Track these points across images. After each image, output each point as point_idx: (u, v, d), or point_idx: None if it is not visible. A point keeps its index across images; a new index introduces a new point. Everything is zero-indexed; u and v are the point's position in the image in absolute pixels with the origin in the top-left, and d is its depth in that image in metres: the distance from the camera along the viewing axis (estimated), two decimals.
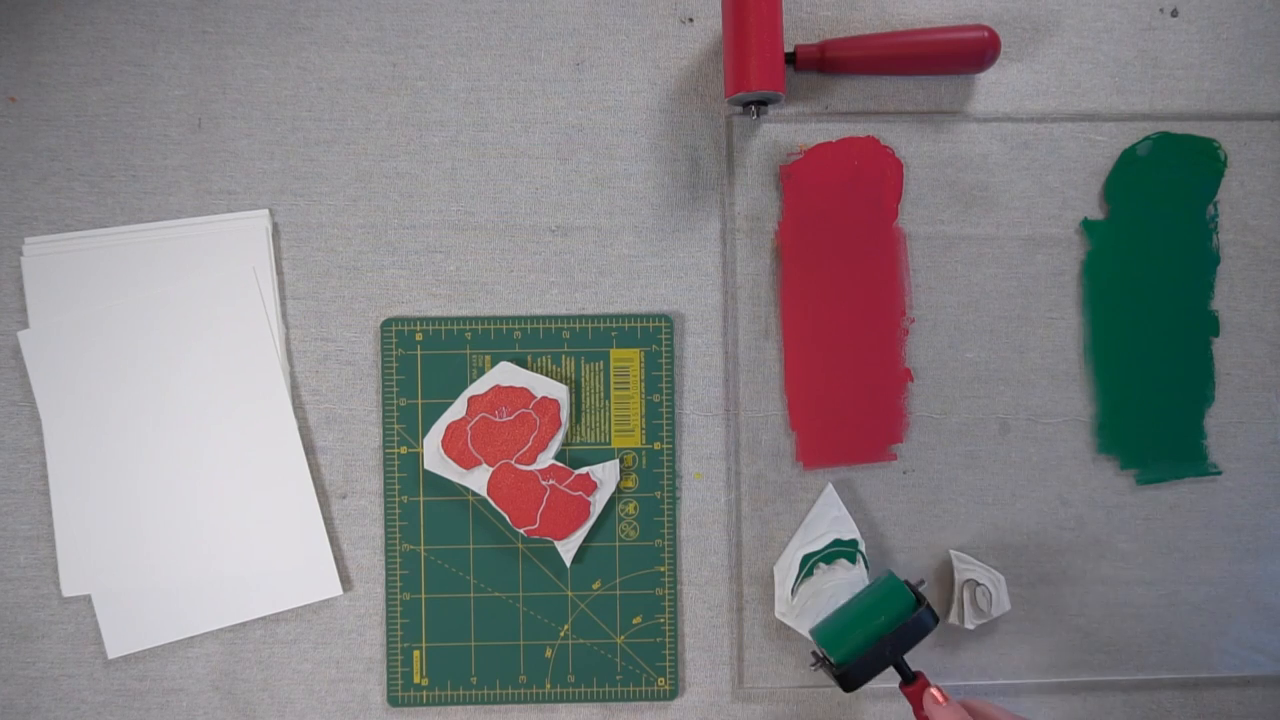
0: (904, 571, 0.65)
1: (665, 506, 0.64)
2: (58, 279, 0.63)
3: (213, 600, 0.63)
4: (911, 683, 0.58)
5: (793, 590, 0.63)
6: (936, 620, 0.58)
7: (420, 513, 0.64)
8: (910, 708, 0.59)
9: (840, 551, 0.63)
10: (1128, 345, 0.65)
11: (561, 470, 0.63)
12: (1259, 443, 0.65)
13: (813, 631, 0.61)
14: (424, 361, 0.64)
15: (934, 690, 0.57)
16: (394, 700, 0.64)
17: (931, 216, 0.65)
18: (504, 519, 0.63)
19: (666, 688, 0.64)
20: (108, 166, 0.64)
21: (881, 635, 0.58)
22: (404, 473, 0.64)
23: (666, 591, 0.64)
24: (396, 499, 0.64)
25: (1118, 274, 0.65)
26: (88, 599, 0.63)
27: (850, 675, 0.58)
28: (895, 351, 0.65)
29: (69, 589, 0.63)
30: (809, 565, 0.63)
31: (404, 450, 0.64)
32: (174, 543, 0.63)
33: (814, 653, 0.61)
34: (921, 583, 0.59)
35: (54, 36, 0.64)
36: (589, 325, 0.65)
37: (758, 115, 0.63)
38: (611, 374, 0.64)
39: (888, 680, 0.65)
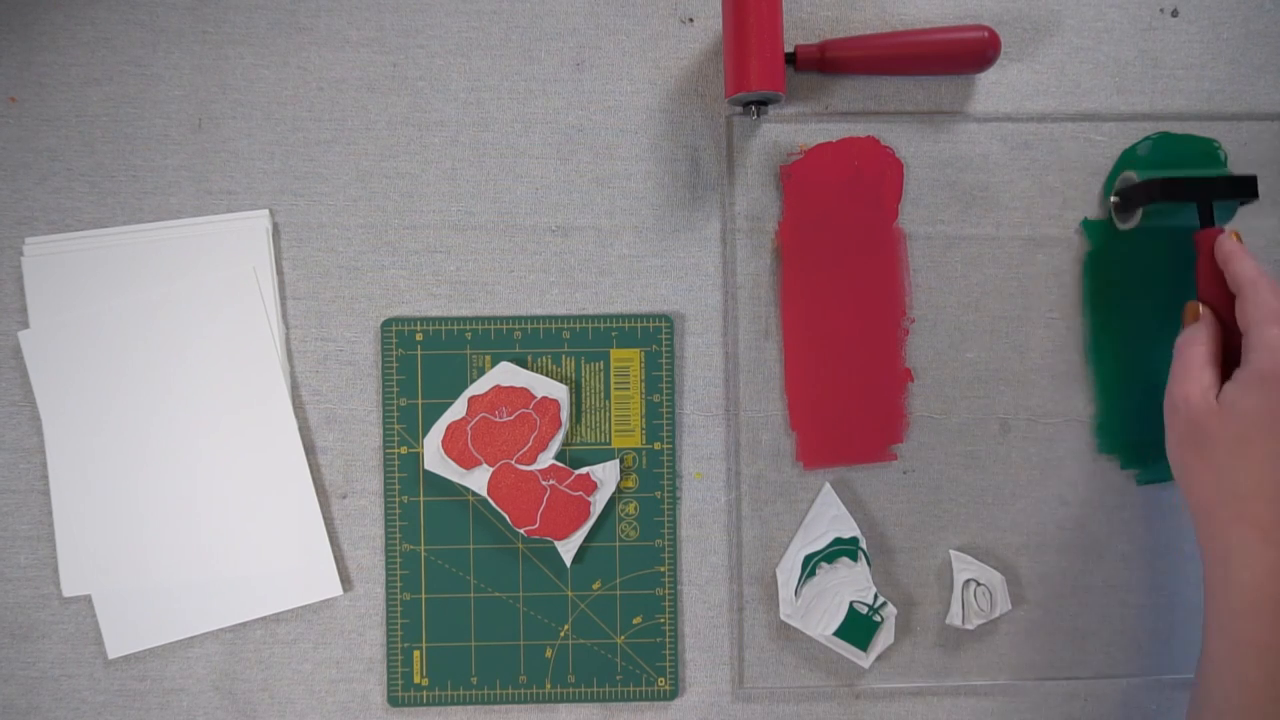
0: (904, 572, 0.65)
1: (665, 506, 0.64)
2: (58, 279, 0.63)
3: (213, 600, 0.63)
4: (1209, 228, 0.59)
5: (796, 592, 0.63)
6: (1257, 195, 0.60)
7: (420, 513, 0.64)
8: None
9: (841, 550, 0.64)
10: (1128, 345, 0.65)
11: (562, 470, 0.63)
12: None
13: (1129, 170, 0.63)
14: (424, 361, 0.64)
15: (1234, 232, 0.57)
16: (394, 700, 0.64)
17: (931, 216, 0.65)
18: (504, 519, 0.63)
19: (666, 688, 0.64)
20: (108, 166, 0.64)
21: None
22: (404, 473, 0.64)
23: (666, 591, 0.64)
24: (396, 499, 0.64)
25: (1118, 274, 0.65)
26: (88, 599, 0.63)
27: (1168, 183, 0.60)
28: (895, 351, 0.65)
29: (69, 589, 0.63)
30: (811, 565, 0.63)
31: (404, 450, 0.64)
32: (174, 543, 0.63)
33: (1120, 190, 0.64)
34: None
35: (54, 36, 0.64)
36: (589, 325, 0.65)
37: (758, 115, 0.63)
38: (611, 374, 0.64)
39: (893, 680, 0.65)
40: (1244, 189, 0.61)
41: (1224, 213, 0.64)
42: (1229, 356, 0.57)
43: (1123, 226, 0.64)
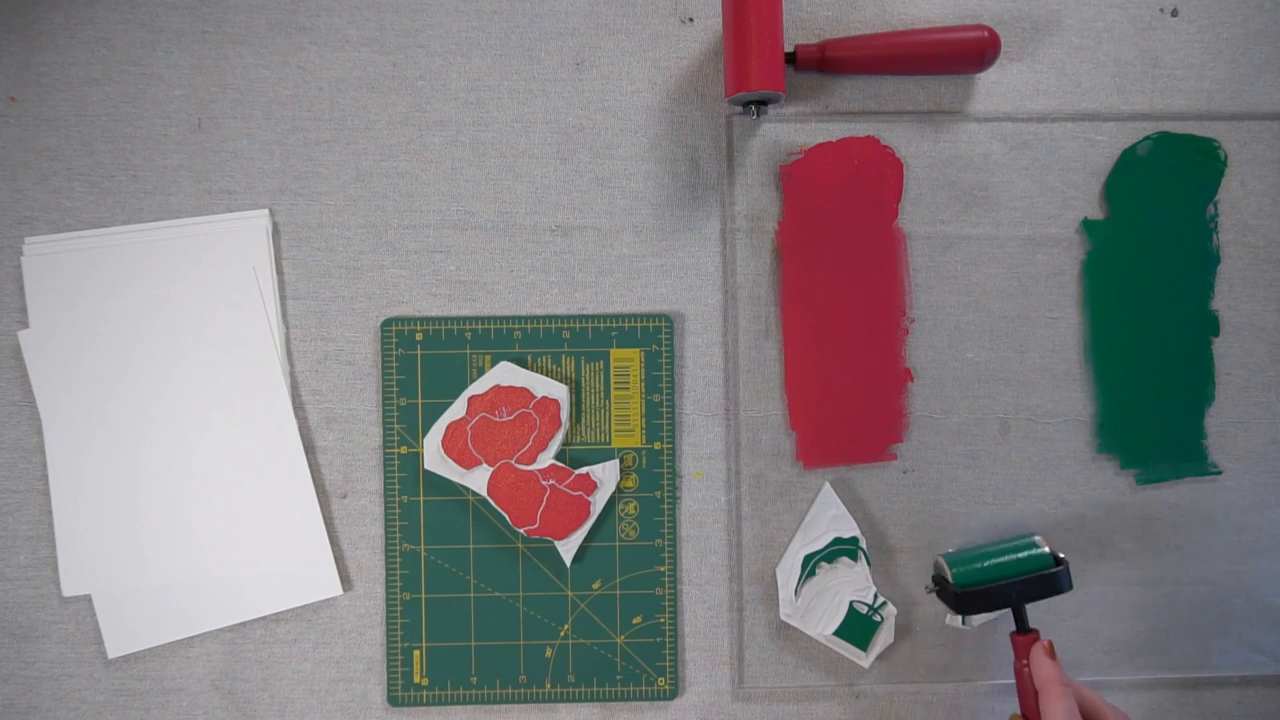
0: (905, 571, 0.65)
1: (665, 506, 0.64)
2: (58, 279, 0.63)
3: (213, 600, 0.63)
4: (1025, 633, 0.59)
5: (796, 591, 0.63)
6: (1071, 585, 0.59)
7: (420, 513, 0.64)
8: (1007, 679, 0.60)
9: (841, 550, 0.64)
10: (1128, 345, 0.65)
11: (561, 470, 0.63)
12: (1259, 443, 0.65)
13: (943, 555, 0.61)
14: (424, 361, 0.64)
15: (1046, 643, 0.58)
16: (394, 700, 0.64)
17: (931, 216, 0.65)
18: (504, 519, 0.63)
19: (666, 688, 0.64)
20: (108, 166, 0.64)
21: (1011, 577, 0.59)
22: (404, 473, 0.64)
23: (666, 591, 0.64)
24: (396, 499, 0.64)
25: (1118, 274, 0.65)
26: (88, 599, 0.63)
27: (970, 597, 0.59)
28: (895, 351, 0.65)
29: (69, 589, 0.63)
30: (811, 565, 0.63)
31: (404, 450, 0.64)
32: (174, 543, 0.63)
33: (933, 578, 0.62)
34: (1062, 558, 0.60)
35: (54, 36, 0.64)
36: (589, 325, 0.65)
37: (758, 115, 0.63)
38: (611, 374, 0.64)
39: (893, 680, 0.65)
40: (1051, 586, 0.59)
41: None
42: None
43: (955, 625, 0.64)
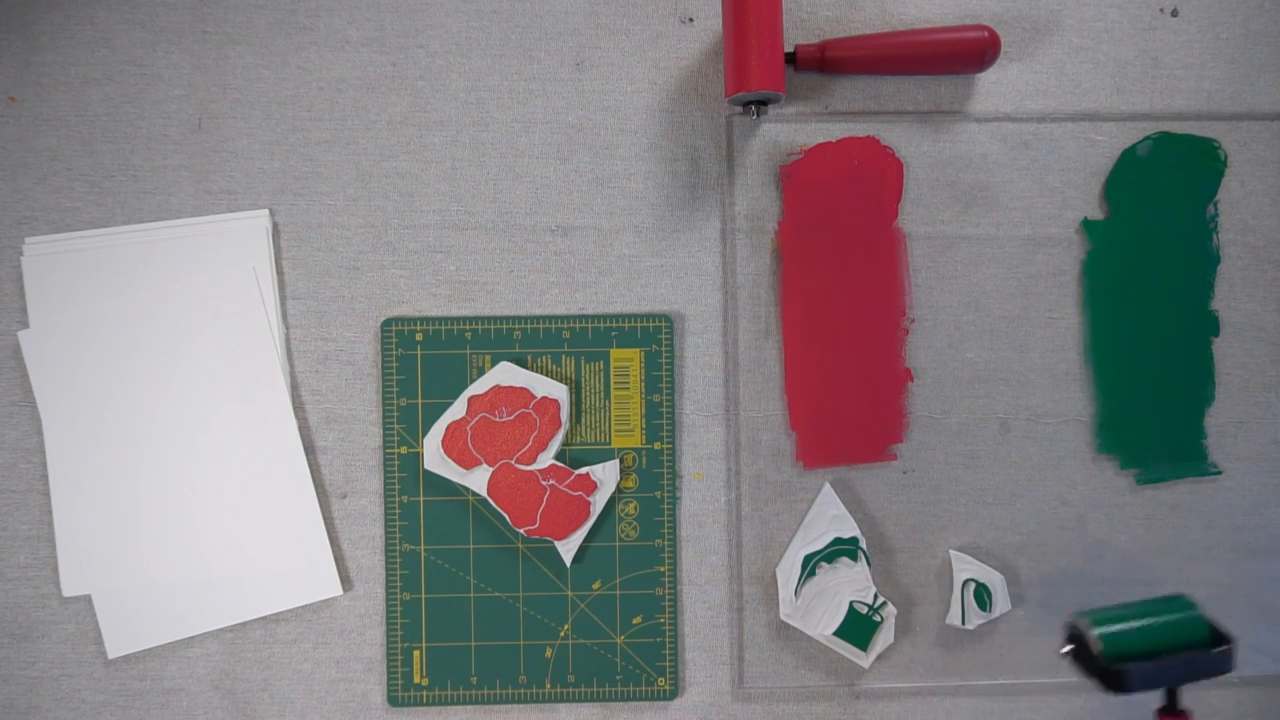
0: (904, 572, 0.65)
1: (665, 506, 0.64)
2: (58, 279, 0.63)
3: (213, 600, 0.63)
4: (1175, 715, 0.53)
5: (796, 591, 0.63)
6: (1233, 666, 0.52)
7: (420, 513, 0.64)
8: None
9: (841, 550, 0.63)
10: (1128, 345, 0.65)
11: (561, 470, 0.63)
12: (1259, 443, 0.65)
13: (1080, 614, 0.54)
14: (424, 361, 0.64)
15: None
16: (394, 700, 0.64)
17: (931, 216, 0.65)
18: (504, 519, 0.63)
19: (666, 688, 0.64)
20: (108, 166, 0.64)
21: (1164, 650, 0.52)
22: (404, 473, 0.64)
23: (666, 591, 0.64)
24: (396, 499, 0.64)
25: (1118, 274, 0.65)
26: (88, 599, 0.63)
27: (1129, 677, 0.51)
28: (895, 351, 0.65)
29: (69, 589, 0.63)
30: (811, 565, 0.63)
31: (404, 450, 0.64)
32: (174, 543, 0.63)
33: (1074, 636, 0.54)
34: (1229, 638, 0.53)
35: (54, 36, 0.64)
36: (589, 325, 0.65)
37: (758, 115, 0.63)
38: (611, 374, 0.64)
39: (893, 680, 0.65)
40: (1217, 666, 0.52)
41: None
42: None
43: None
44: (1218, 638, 0.52)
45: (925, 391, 0.65)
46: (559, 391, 0.63)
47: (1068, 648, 0.55)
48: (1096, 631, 0.53)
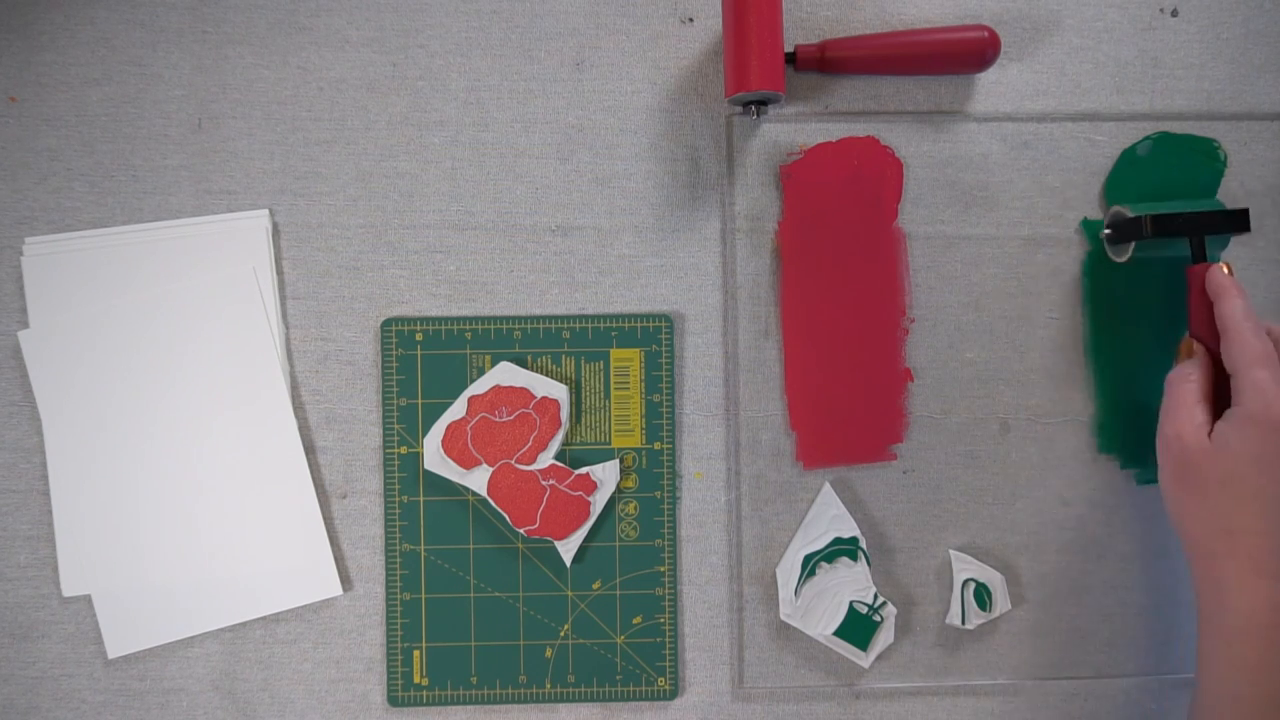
0: (904, 572, 0.65)
1: (665, 506, 0.64)
2: (58, 279, 0.63)
3: (213, 600, 0.63)
4: (1202, 260, 0.60)
5: (796, 591, 0.63)
6: (1249, 227, 0.60)
7: (420, 513, 0.64)
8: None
9: (841, 550, 0.64)
10: (1128, 345, 0.65)
11: (561, 470, 0.63)
12: None
13: (1123, 204, 0.63)
14: (424, 361, 0.64)
15: (1226, 264, 0.58)
16: (394, 700, 0.64)
17: (931, 216, 0.65)
18: (504, 519, 0.63)
19: (666, 688, 0.64)
20: (108, 166, 0.64)
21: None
22: (404, 473, 0.64)
23: (666, 591, 0.64)
24: (396, 499, 0.64)
25: (1118, 274, 0.65)
26: (88, 599, 0.63)
27: (1161, 221, 0.60)
28: (895, 351, 0.65)
29: (69, 589, 0.63)
30: (811, 565, 0.63)
31: (404, 450, 0.64)
32: (174, 543, 0.63)
33: (1109, 223, 0.64)
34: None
35: (54, 36, 0.64)
36: (589, 325, 0.65)
37: (758, 115, 0.63)
38: (611, 374, 0.64)
39: (893, 680, 0.65)
40: (1236, 223, 0.61)
41: (1217, 240, 0.64)
42: (1222, 391, 0.57)
43: (1117, 260, 0.64)
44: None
45: (925, 391, 0.65)
46: (559, 391, 0.63)
47: (1107, 230, 0.64)
48: (1135, 210, 0.61)
